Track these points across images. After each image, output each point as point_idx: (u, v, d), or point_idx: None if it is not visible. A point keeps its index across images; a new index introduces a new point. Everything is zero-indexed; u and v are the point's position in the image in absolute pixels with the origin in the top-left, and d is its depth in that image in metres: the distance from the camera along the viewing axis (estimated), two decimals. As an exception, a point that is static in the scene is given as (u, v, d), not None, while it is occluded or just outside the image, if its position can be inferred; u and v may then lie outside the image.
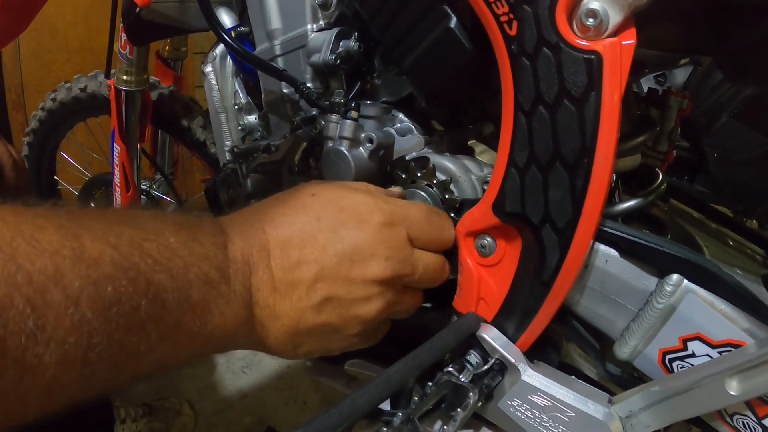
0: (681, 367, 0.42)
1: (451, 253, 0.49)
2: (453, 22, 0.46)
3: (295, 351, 0.44)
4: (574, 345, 0.53)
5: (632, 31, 0.37)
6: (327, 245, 0.42)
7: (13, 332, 0.25)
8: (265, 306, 0.40)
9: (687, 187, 0.97)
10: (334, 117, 0.54)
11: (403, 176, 0.53)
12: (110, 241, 0.31)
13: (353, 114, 0.53)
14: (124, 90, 1.11)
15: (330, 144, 0.53)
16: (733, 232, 0.72)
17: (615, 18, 0.37)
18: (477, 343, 0.46)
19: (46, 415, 0.29)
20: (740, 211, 0.90)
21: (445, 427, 0.40)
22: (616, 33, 0.37)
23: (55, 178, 1.52)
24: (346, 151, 0.52)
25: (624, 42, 0.37)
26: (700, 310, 0.39)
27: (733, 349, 0.38)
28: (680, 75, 1.12)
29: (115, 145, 1.16)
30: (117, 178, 1.20)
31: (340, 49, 0.57)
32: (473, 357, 0.46)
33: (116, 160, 1.18)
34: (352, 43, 0.57)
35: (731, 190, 0.96)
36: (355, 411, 0.35)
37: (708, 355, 0.40)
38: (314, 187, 0.45)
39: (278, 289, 0.40)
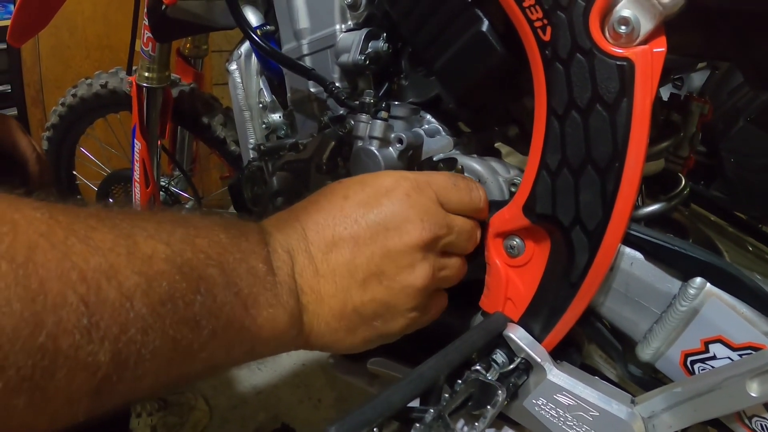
0: (702, 370, 0.42)
1: (478, 253, 0.49)
2: (485, 25, 0.46)
3: (350, 339, 0.42)
4: (594, 347, 0.53)
5: (663, 39, 0.38)
6: (359, 218, 0.41)
7: (66, 330, 0.25)
8: (310, 291, 0.40)
9: (707, 192, 0.97)
10: (364, 117, 0.54)
11: None
12: (163, 239, 0.32)
13: (383, 114, 0.54)
14: (145, 87, 1.12)
15: (360, 143, 0.54)
16: (752, 238, 0.72)
17: (646, 26, 0.37)
18: (503, 343, 0.47)
19: (93, 417, 0.28)
20: (756, 216, 0.90)
21: (476, 424, 0.41)
22: (647, 40, 0.38)
23: (74, 173, 1.53)
24: (376, 151, 0.53)
25: (655, 50, 0.38)
26: (722, 313, 0.40)
27: (753, 352, 0.39)
28: (697, 79, 1.11)
29: (135, 141, 1.17)
30: (137, 174, 1.21)
31: (369, 50, 0.58)
32: (499, 356, 0.46)
33: (137, 156, 1.19)
34: (381, 44, 0.57)
35: (747, 195, 0.95)
36: (389, 407, 0.36)
37: (729, 358, 0.40)
38: (341, 180, 0.46)
39: (320, 271, 0.40)
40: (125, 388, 0.29)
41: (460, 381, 0.42)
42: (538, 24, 0.40)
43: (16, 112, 1.77)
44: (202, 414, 1.30)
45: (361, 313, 0.42)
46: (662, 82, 0.65)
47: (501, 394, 0.41)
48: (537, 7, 0.40)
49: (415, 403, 0.40)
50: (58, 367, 0.25)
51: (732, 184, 0.95)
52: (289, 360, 1.48)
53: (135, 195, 1.24)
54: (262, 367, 1.46)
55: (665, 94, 0.77)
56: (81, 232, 0.28)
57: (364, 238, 0.41)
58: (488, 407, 0.41)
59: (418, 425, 0.37)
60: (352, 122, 0.56)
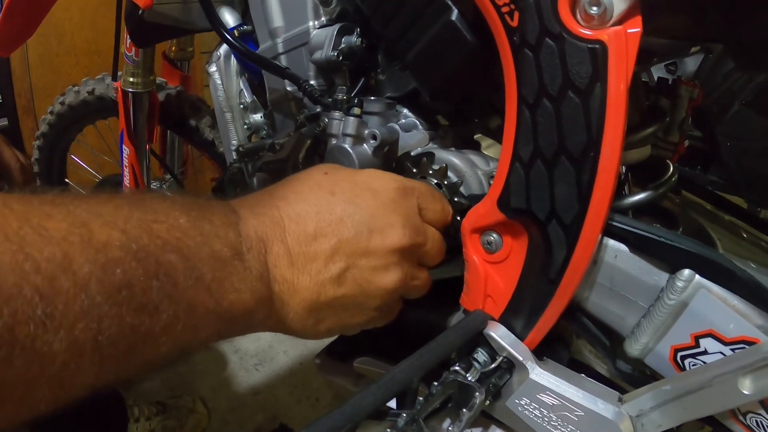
0: (693, 365, 0.41)
1: (457, 250, 0.48)
2: (454, 14, 0.45)
3: (316, 328, 0.43)
4: (584, 341, 0.52)
5: (638, 19, 0.36)
6: (344, 217, 0.42)
7: (21, 321, 0.25)
8: (283, 281, 0.40)
9: (699, 178, 0.96)
10: (337, 114, 0.53)
11: (414, 170, 0.52)
12: (118, 225, 0.31)
13: (356, 110, 0.52)
14: (131, 92, 1.11)
15: (333, 141, 0.53)
16: (746, 224, 0.70)
17: (620, 6, 0.36)
18: (484, 341, 0.45)
19: (58, 406, 0.29)
20: (754, 200, 0.89)
21: (451, 428, 0.40)
22: (621, 21, 0.36)
23: (66, 180, 1.53)
24: (349, 148, 0.51)
25: (629, 30, 0.36)
26: (713, 307, 0.39)
27: (746, 347, 0.37)
28: (691, 63, 1.10)
29: (123, 146, 1.17)
30: (127, 180, 1.20)
31: (342, 45, 0.57)
32: (481, 355, 0.45)
33: (125, 162, 1.18)
34: (354, 39, 0.56)
35: (744, 179, 0.94)
36: (358, 412, 0.34)
37: (721, 353, 0.39)
38: (325, 166, 0.46)
39: (296, 263, 0.40)
40: (87, 377, 0.29)
41: (436, 383, 0.40)
42: (505, 9, 0.39)
43: (6, 122, 1.76)
44: (201, 417, 1.31)
45: (331, 307, 0.42)
46: (643, 65, 0.63)
47: (479, 396, 0.40)
48: (504, -9, 0.38)
49: (393, 403, 0.39)
50: (15, 356, 0.26)
51: (728, 169, 0.94)
52: (287, 360, 1.48)
53: (126, 201, 1.23)
54: (259, 367, 1.46)
55: (655, 78, 0.75)
56: (35, 220, 0.28)
57: (348, 237, 0.41)
58: (464, 410, 0.40)
59: (389, 430, 0.36)
60: (326, 120, 0.54)
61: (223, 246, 0.36)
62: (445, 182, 0.50)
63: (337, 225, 0.41)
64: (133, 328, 0.30)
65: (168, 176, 1.41)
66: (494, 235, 0.45)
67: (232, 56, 0.78)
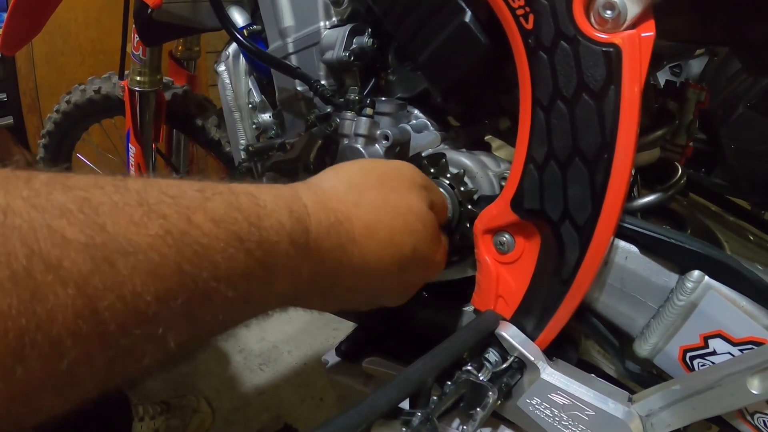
0: (702, 365, 0.41)
1: (468, 250, 0.48)
2: (468, 16, 0.45)
3: (377, 283, 0.43)
4: (593, 342, 0.52)
5: (651, 23, 0.37)
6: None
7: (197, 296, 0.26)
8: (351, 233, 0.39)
9: (705, 180, 0.96)
10: (349, 114, 0.53)
11: (432, 170, 0.51)
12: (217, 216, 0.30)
13: (368, 111, 0.53)
14: (137, 91, 1.11)
15: (345, 141, 0.53)
16: (752, 226, 0.70)
17: (633, 10, 0.36)
18: (496, 342, 0.45)
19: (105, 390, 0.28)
20: (758, 203, 0.89)
21: (465, 427, 0.40)
22: (634, 25, 0.37)
23: (71, 179, 1.53)
24: (361, 149, 0.52)
25: (643, 34, 0.36)
26: (722, 308, 0.39)
27: (754, 347, 0.38)
28: (696, 66, 1.10)
29: (130, 145, 1.17)
30: (132, 179, 1.20)
31: (354, 46, 0.57)
32: (492, 355, 0.45)
33: (132, 161, 1.19)
34: (365, 40, 0.56)
35: (749, 182, 0.94)
36: (373, 411, 0.35)
37: (729, 353, 0.39)
38: (376, 173, 0.44)
39: (366, 225, 0.40)
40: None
41: (449, 382, 0.41)
42: (520, 12, 0.39)
43: (12, 120, 1.77)
44: (205, 416, 1.30)
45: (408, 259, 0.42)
46: (654, 68, 0.63)
47: (491, 396, 0.40)
48: (519, -6, 0.39)
49: (406, 404, 0.39)
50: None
51: (733, 172, 0.94)
52: (291, 360, 1.48)
53: (132, 199, 1.23)
54: (263, 367, 1.46)
55: (661, 81, 0.75)
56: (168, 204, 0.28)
57: (398, 210, 0.42)
58: (477, 409, 0.40)
59: (404, 429, 0.36)
60: (338, 120, 0.54)
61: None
62: (461, 188, 0.50)
63: (387, 210, 0.41)
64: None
65: (174, 175, 1.41)
66: (507, 236, 0.45)
67: (241, 55, 0.78)
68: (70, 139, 1.43)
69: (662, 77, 1.05)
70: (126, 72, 1.14)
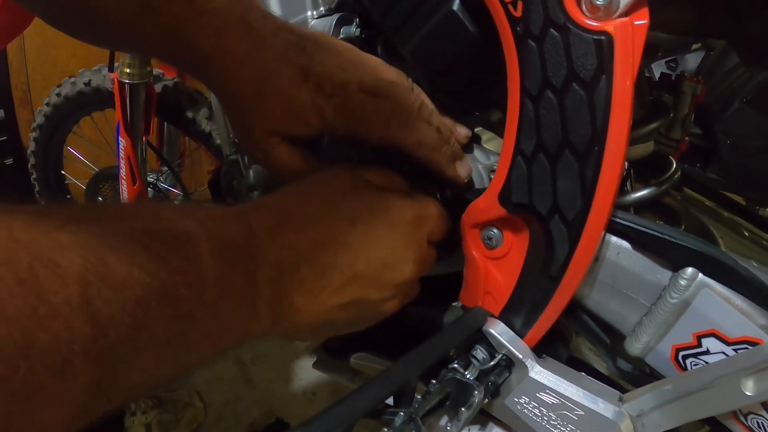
0: (694, 365, 0.40)
1: (457, 245, 0.47)
2: (456, 4, 0.44)
3: (314, 336, 0.46)
4: (583, 339, 0.51)
5: (645, 11, 0.35)
6: (360, 250, 0.42)
7: (38, 371, 0.23)
8: (290, 306, 0.40)
9: (700, 175, 0.95)
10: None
11: None
12: (137, 259, 0.29)
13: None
14: (127, 83, 1.10)
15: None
16: (748, 222, 0.70)
17: (626, -4, 0.35)
18: (483, 339, 0.44)
19: None
20: (753, 199, 0.88)
21: (449, 427, 0.39)
22: (627, 13, 0.35)
23: (63, 172, 1.52)
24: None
25: (636, 22, 0.35)
26: (716, 306, 0.38)
27: (749, 347, 0.37)
28: (692, 60, 1.10)
29: (120, 138, 1.16)
30: (123, 172, 1.19)
31: (341, 36, 0.56)
32: (480, 352, 0.44)
33: (122, 154, 1.18)
34: (353, 29, 0.55)
35: (744, 177, 0.94)
36: (355, 411, 0.34)
37: (723, 353, 0.38)
38: (343, 182, 0.45)
39: (308, 291, 0.40)
40: (98, 411, 0.28)
41: (434, 381, 0.40)
42: (508, -1, 0.37)
43: (2, 113, 1.75)
44: (197, 411, 1.30)
45: (334, 324, 0.44)
46: (648, 59, 0.62)
47: (477, 394, 0.39)
48: (507, -20, 0.37)
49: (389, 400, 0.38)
50: (33, 408, 0.24)
51: (728, 167, 0.94)
52: (283, 354, 1.47)
53: (122, 192, 1.23)
54: (255, 362, 1.46)
55: (657, 74, 0.74)
56: (46, 255, 0.25)
57: (362, 271, 0.42)
58: (462, 409, 0.39)
59: (386, 430, 0.35)
60: (325, 111, 0.53)
61: (241, 276, 0.36)
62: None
63: (352, 258, 0.41)
64: (149, 367, 0.30)
65: (165, 168, 1.40)
66: (495, 231, 0.44)
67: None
68: (60, 132, 1.42)
69: (657, 71, 1.04)
70: (116, 64, 1.13)
